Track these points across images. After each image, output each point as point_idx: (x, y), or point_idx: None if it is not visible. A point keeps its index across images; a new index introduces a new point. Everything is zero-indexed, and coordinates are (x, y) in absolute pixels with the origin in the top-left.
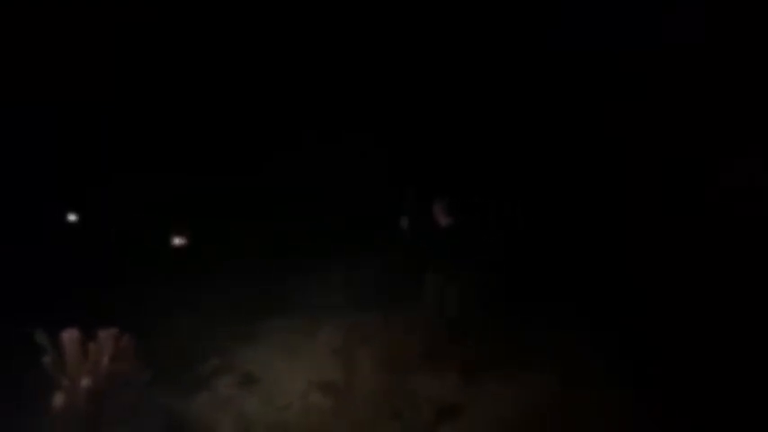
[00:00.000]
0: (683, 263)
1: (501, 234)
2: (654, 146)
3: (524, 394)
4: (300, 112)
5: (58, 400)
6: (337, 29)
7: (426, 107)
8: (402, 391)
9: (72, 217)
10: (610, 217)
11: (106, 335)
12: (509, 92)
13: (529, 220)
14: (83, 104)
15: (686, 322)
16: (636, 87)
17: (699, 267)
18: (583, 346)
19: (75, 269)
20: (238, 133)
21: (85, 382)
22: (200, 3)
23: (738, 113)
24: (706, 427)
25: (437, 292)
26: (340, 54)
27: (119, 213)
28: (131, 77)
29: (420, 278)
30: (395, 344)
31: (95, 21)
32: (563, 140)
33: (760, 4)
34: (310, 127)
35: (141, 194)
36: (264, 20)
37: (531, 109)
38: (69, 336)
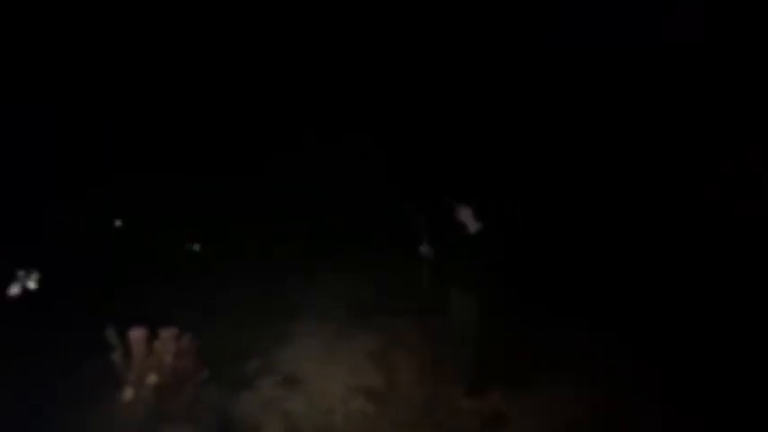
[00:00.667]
0: (683, 263)
1: (501, 235)
2: (654, 146)
3: (568, 405)
4: (300, 112)
5: (128, 394)
6: (337, 29)
7: (426, 107)
8: (444, 400)
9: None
10: (610, 217)
11: (168, 334)
12: (509, 92)
13: (529, 221)
14: (83, 104)
15: (687, 322)
16: (636, 87)
17: (699, 267)
18: (599, 347)
19: (76, 269)
20: (238, 133)
21: (152, 378)
22: (201, 3)
23: (738, 113)
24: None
25: (466, 307)
26: (340, 54)
27: (119, 213)
28: (131, 77)
29: (437, 287)
30: (433, 352)
31: (95, 21)
32: (563, 140)
33: (760, 4)
34: (310, 127)
35: (141, 194)
36: (264, 20)
37: (531, 109)
38: (136, 334)
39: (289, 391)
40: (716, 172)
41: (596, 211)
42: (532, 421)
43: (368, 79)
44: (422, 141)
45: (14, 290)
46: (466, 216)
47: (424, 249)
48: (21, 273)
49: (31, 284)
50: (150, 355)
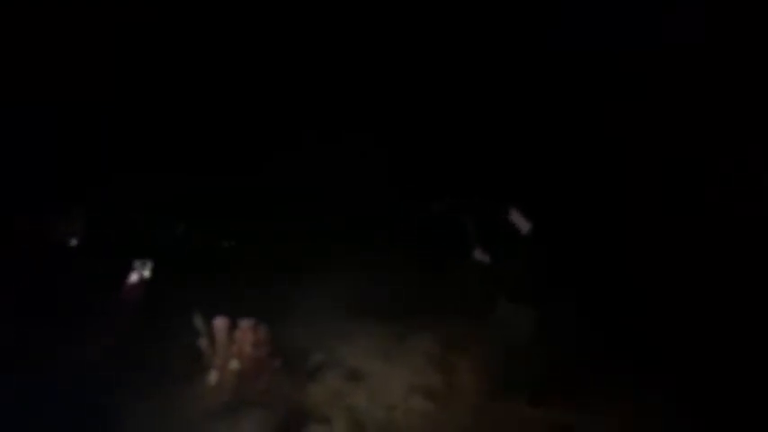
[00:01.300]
0: (683, 263)
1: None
2: (654, 146)
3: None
4: (300, 112)
5: (213, 377)
6: (337, 29)
7: (426, 107)
8: (505, 406)
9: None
10: (609, 217)
11: (246, 325)
12: (508, 92)
13: (529, 221)
14: (83, 104)
15: (687, 322)
16: (636, 87)
17: (699, 267)
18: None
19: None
20: (238, 133)
21: (234, 364)
22: (201, 3)
23: (738, 113)
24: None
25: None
26: (340, 54)
27: (119, 213)
28: (131, 77)
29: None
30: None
31: (95, 21)
32: (562, 140)
33: (760, 4)
34: (310, 127)
35: (141, 194)
36: (264, 20)
37: (530, 109)
38: (219, 323)
39: (352, 386)
40: (716, 172)
41: (595, 210)
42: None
43: (368, 79)
44: (421, 141)
45: (134, 278)
46: (516, 216)
47: (479, 254)
48: (137, 262)
49: (146, 273)
50: (232, 344)
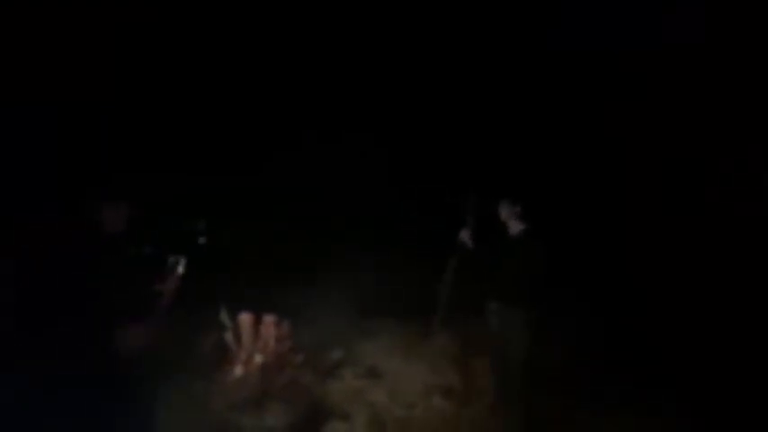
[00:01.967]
0: (683, 263)
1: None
2: (654, 146)
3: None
4: (300, 112)
5: (238, 370)
6: (337, 29)
7: (426, 107)
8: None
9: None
10: (610, 217)
11: (270, 320)
12: (508, 92)
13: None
14: (83, 104)
15: (687, 322)
16: (636, 87)
17: (699, 267)
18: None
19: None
20: (238, 133)
21: (259, 357)
22: (201, 3)
23: (738, 113)
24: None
25: (507, 323)
26: (340, 54)
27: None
28: (132, 77)
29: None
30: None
31: (95, 21)
32: (562, 140)
33: (760, 4)
34: (310, 127)
35: (141, 194)
36: (264, 20)
37: (530, 109)
38: (244, 318)
39: (372, 383)
40: (716, 172)
41: (596, 211)
42: None
43: (367, 79)
44: (421, 141)
45: (168, 274)
46: (508, 216)
47: (464, 235)
48: (171, 258)
49: (180, 269)
50: (257, 338)
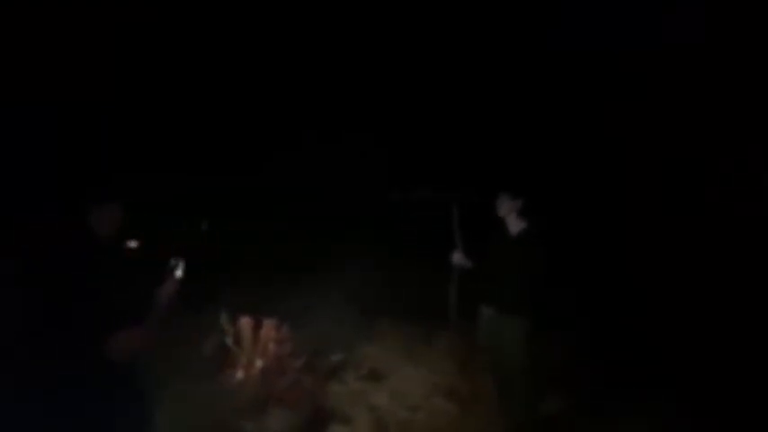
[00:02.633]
0: (683, 263)
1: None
2: (654, 146)
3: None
4: (300, 112)
5: (240, 374)
6: (337, 29)
7: (425, 107)
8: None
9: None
10: (610, 217)
11: (270, 324)
12: (508, 92)
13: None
14: (83, 105)
15: (687, 322)
16: (636, 87)
17: (699, 267)
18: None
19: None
20: (238, 133)
21: (259, 361)
22: (201, 3)
23: (738, 113)
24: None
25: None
26: (340, 54)
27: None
28: (132, 77)
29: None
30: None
31: (95, 21)
32: (562, 140)
33: (760, 4)
34: (310, 127)
35: (141, 195)
36: (264, 20)
37: (530, 109)
38: (245, 322)
39: (373, 385)
40: (716, 172)
41: (596, 211)
42: None
43: (367, 79)
44: (421, 142)
45: (169, 277)
46: (507, 212)
47: (458, 258)
48: (173, 261)
49: (179, 273)
50: (257, 342)
